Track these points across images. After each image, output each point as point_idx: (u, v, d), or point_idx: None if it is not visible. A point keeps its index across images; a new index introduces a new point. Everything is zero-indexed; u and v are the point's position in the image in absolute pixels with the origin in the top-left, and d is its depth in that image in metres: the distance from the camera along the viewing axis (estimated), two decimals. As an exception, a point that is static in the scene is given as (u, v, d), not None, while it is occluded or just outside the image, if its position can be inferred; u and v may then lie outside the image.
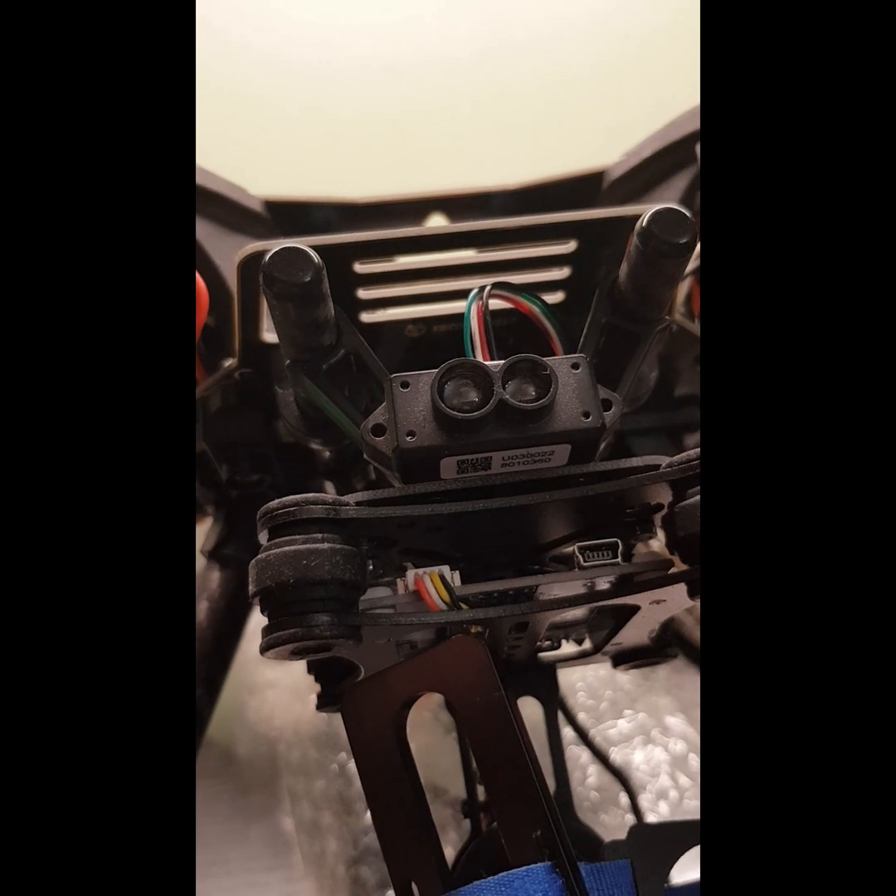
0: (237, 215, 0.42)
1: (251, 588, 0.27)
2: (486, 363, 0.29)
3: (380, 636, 0.30)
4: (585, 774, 0.68)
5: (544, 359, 0.29)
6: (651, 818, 0.63)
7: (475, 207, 0.46)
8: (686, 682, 0.72)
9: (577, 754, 0.69)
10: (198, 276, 0.37)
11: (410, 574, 0.30)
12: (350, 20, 0.87)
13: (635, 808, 0.58)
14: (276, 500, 0.28)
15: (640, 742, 0.71)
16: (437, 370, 0.28)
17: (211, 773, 0.69)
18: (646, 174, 0.43)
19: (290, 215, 0.45)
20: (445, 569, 0.30)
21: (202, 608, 0.46)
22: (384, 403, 0.29)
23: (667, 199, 0.41)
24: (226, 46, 0.84)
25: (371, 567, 0.31)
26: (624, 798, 0.64)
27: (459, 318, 0.37)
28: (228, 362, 0.38)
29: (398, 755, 0.26)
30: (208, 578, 0.47)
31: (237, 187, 0.43)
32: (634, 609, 0.32)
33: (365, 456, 0.30)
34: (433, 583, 0.29)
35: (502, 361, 0.30)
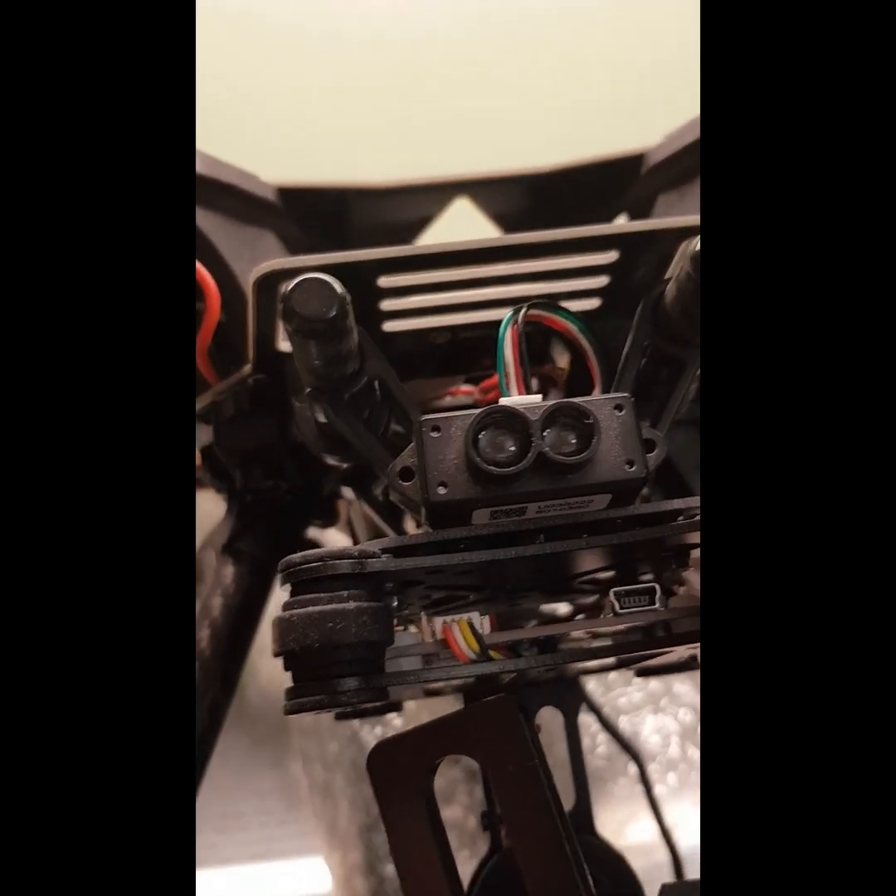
0: (250, 206, 0.39)
1: (274, 648, 0.26)
2: (524, 407, 0.27)
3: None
4: (595, 743, 0.68)
5: (585, 401, 0.27)
6: (659, 790, 0.64)
7: (504, 191, 0.43)
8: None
9: (587, 722, 0.69)
10: (209, 277, 0.35)
11: (438, 621, 0.29)
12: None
13: (644, 780, 0.58)
14: (299, 554, 0.26)
15: (650, 711, 0.71)
16: (471, 415, 0.26)
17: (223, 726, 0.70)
18: (688, 160, 0.40)
19: (304, 203, 0.42)
20: (475, 616, 0.29)
21: (217, 604, 0.45)
22: (412, 444, 0.27)
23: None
24: (234, 29, 0.78)
25: (395, 603, 0.30)
26: (633, 768, 0.65)
27: (488, 326, 0.35)
28: (245, 368, 0.36)
29: (427, 823, 0.25)
30: (222, 573, 0.46)
31: (248, 175, 0.40)
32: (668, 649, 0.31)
33: (392, 499, 0.29)
34: (462, 632, 0.28)
35: (539, 399, 0.28)
